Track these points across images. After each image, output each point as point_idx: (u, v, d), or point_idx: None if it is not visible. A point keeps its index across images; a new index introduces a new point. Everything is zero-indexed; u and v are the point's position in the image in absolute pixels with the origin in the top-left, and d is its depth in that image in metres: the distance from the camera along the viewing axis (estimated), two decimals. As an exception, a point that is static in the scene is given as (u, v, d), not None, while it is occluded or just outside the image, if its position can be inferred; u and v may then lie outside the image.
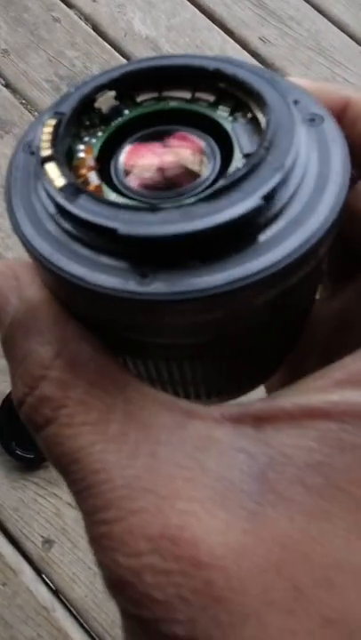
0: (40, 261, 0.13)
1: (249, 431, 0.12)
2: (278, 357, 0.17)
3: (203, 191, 0.14)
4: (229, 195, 0.12)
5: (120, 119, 0.15)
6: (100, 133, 0.15)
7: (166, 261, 0.12)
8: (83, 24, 0.85)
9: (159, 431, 0.12)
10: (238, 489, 0.11)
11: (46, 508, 0.67)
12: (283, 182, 0.13)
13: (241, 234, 0.12)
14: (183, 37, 0.85)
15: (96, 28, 0.85)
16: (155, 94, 0.16)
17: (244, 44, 0.84)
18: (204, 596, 0.11)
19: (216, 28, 0.85)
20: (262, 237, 0.12)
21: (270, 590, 0.11)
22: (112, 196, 0.14)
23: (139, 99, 0.16)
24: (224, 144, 0.15)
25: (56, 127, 0.14)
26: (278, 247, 0.12)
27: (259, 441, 0.12)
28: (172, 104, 0.15)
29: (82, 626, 0.65)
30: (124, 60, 0.84)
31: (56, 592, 0.65)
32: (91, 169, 0.14)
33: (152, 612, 0.11)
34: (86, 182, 0.14)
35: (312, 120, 0.14)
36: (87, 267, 0.12)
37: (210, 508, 0.11)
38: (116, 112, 0.15)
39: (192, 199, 0.13)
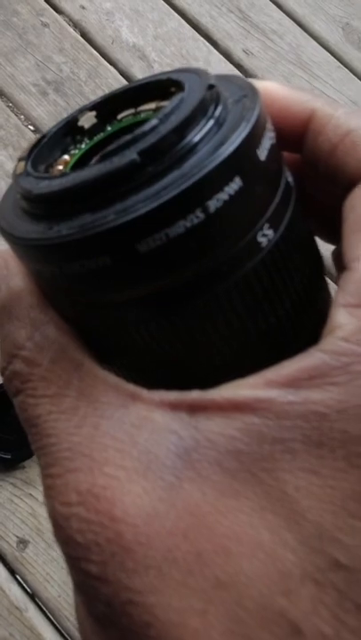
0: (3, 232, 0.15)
1: (183, 416, 0.13)
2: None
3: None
4: (116, 156, 0.14)
5: (102, 134, 0.17)
6: (82, 145, 0.17)
7: (67, 213, 0.14)
8: (71, 30, 0.86)
9: (104, 408, 0.14)
10: (162, 463, 0.13)
11: (22, 508, 0.67)
12: (162, 141, 0.14)
13: (123, 184, 0.14)
14: (169, 47, 0.86)
15: (84, 35, 0.86)
16: (132, 111, 0.17)
17: (227, 56, 0.86)
18: (115, 544, 0.12)
19: (201, 38, 0.87)
20: (145, 187, 0.14)
21: (174, 550, 0.12)
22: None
23: (119, 116, 0.17)
24: None
25: (39, 140, 0.17)
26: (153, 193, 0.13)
27: (190, 425, 0.13)
28: (142, 116, 0.17)
29: (54, 625, 0.65)
30: (110, 67, 0.85)
31: (29, 592, 0.65)
32: (60, 166, 0.17)
33: (75, 551, 0.13)
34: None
35: (238, 101, 0.15)
36: (22, 226, 0.15)
37: (132, 475, 0.13)
38: (99, 128, 0.17)
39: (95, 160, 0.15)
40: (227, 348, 0.15)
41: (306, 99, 0.17)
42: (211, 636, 0.12)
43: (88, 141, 0.17)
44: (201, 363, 0.15)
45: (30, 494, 0.68)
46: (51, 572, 0.66)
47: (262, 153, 0.15)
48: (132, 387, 0.14)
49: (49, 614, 0.65)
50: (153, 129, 0.14)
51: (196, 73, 0.16)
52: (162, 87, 0.17)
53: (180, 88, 0.16)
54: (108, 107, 0.17)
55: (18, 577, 0.65)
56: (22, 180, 0.15)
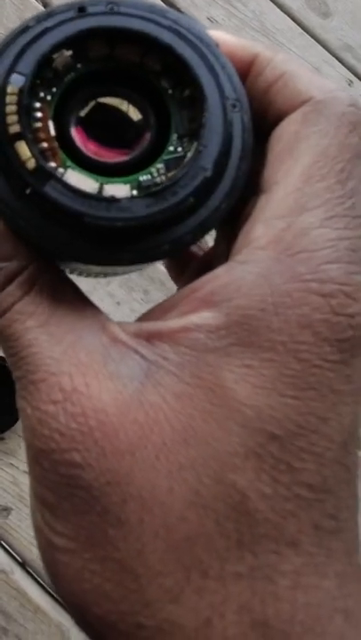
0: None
1: (143, 342, 0.16)
2: None
3: (142, 165, 0.16)
4: (167, 193, 0.16)
5: (73, 74, 0.16)
6: (54, 89, 0.16)
7: (120, 238, 0.16)
8: (33, 0, 0.85)
9: (81, 331, 0.16)
10: (129, 372, 0.15)
11: (3, 477, 0.69)
12: (207, 180, 0.16)
13: (174, 218, 0.16)
14: (132, 16, 0.86)
15: (46, 5, 0.85)
16: (107, 51, 0.16)
17: (191, 24, 0.86)
18: (97, 431, 0.14)
19: (166, 7, 0.86)
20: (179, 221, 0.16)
21: (145, 439, 0.14)
22: (71, 171, 0.16)
23: (91, 54, 0.16)
24: (160, 113, 0.17)
25: (19, 97, 0.15)
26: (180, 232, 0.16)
27: (149, 348, 0.15)
28: (123, 64, 0.17)
29: (40, 585, 0.67)
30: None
31: (14, 556, 0.68)
32: (52, 139, 0.16)
33: (59, 443, 0.15)
34: (51, 150, 0.16)
35: (234, 106, 0.17)
36: (54, 235, 0.16)
37: (107, 379, 0.15)
38: (69, 68, 0.16)
39: (139, 189, 0.16)
40: None
41: (250, 45, 0.18)
42: (175, 508, 0.14)
43: (58, 83, 0.16)
44: None
45: (11, 464, 0.70)
46: (34, 535, 0.68)
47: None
48: (104, 317, 0.17)
49: (35, 575, 0.67)
50: (194, 162, 0.16)
51: (194, 47, 0.16)
52: (151, 45, 0.16)
53: (179, 63, 0.16)
54: (81, 42, 0.16)
55: (2, 542, 0.68)
56: (53, 192, 0.15)
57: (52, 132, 0.16)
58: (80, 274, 0.20)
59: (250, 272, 0.15)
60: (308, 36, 0.85)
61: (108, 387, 0.15)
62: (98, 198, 0.15)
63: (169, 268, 0.24)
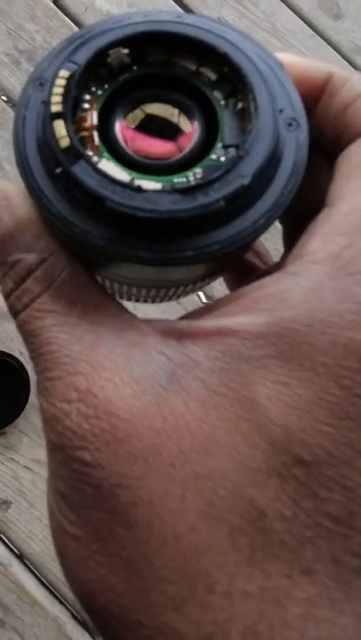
0: (40, 203, 0.16)
1: (172, 342, 0.15)
2: None
3: (180, 168, 0.16)
4: (198, 193, 0.15)
5: (127, 74, 0.17)
6: (106, 85, 0.16)
7: (141, 233, 0.15)
8: (43, -4, 0.85)
9: (103, 328, 0.15)
10: (151, 375, 0.15)
11: (3, 471, 0.69)
12: (243, 188, 0.15)
13: (202, 222, 0.15)
14: (143, 14, 0.86)
15: (57, 2, 0.85)
16: (164, 57, 0.17)
17: (202, 24, 0.86)
18: (109, 434, 0.14)
19: (176, 6, 0.86)
20: (222, 224, 0.15)
21: (160, 446, 0.14)
22: (106, 161, 0.16)
23: (149, 58, 0.17)
24: (209, 123, 0.17)
25: (68, 81, 0.16)
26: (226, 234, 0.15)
27: (177, 349, 0.15)
28: (178, 71, 0.17)
29: (38, 578, 0.68)
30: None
31: (13, 549, 0.68)
32: (93, 128, 0.16)
33: (71, 440, 0.15)
34: (90, 139, 0.16)
35: (290, 125, 0.16)
36: (77, 218, 0.15)
37: (127, 381, 0.15)
38: (125, 67, 0.17)
39: (168, 185, 0.15)
40: None
41: (323, 65, 0.18)
42: (187, 518, 0.14)
43: (112, 81, 0.17)
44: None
45: (12, 458, 0.70)
46: (33, 529, 0.68)
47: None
48: (129, 315, 0.16)
49: (32, 568, 0.68)
50: (233, 168, 0.15)
51: (250, 60, 0.16)
52: (208, 54, 0.16)
53: (233, 71, 0.16)
54: (138, 44, 0.16)
55: (1, 535, 0.68)
56: (80, 172, 0.15)
57: (95, 122, 0.16)
58: (111, 282, 0.19)
59: (300, 285, 0.14)
60: (319, 37, 0.85)
61: (125, 391, 0.14)
62: (124, 185, 0.15)
63: (226, 280, 0.23)
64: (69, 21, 0.84)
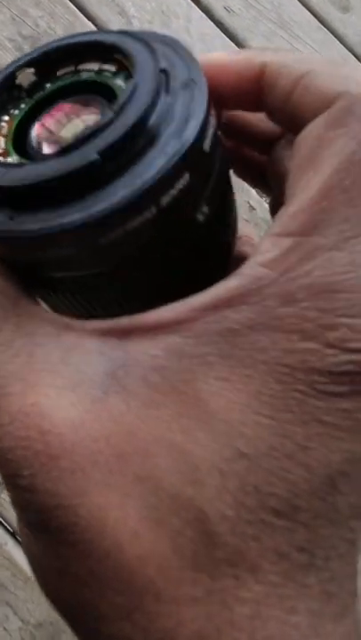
0: None
1: (114, 341, 0.14)
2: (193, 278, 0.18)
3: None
4: (75, 151, 0.15)
5: (42, 92, 0.18)
6: (22, 105, 0.18)
7: (28, 206, 0.15)
8: None
9: (39, 338, 0.15)
10: (90, 379, 0.14)
11: None
12: (121, 141, 0.15)
13: (84, 182, 0.15)
14: (150, 2, 0.85)
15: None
16: (72, 68, 0.18)
17: (209, 13, 0.85)
18: (43, 455, 0.14)
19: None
20: (109, 184, 0.15)
21: (97, 454, 0.13)
22: (12, 158, 0.16)
23: (59, 73, 0.18)
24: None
25: None
26: (117, 191, 0.15)
27: (119, 348, 0.14)
28: (84, 76, 0.18)
29: None
30: (88, 22, 0.84)
31: (8, 528, 0.70)
32: (4, 136, 0.17)
33: (7, 469, 0.14)
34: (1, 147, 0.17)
35: (186, 85, 0.16)
36: None
37: (62, 392, 0.14)
38: (38, 86, 0.18)
39: (44, 156, 0.15)
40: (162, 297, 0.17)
41: (253, 56, 0.17)
42: (128, 524, 0.13)
43: (28, 100, 0.18)
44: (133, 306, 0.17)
45: (8, 442, 0.72)
46: None
47: (207, 144, 0.16)
48: (66, 319, 0.15)
49: None
50: (110, 123, 0.15)
51: (144, 43, 0.16)
52: (104, 49, 0.17)
53: (126, 57, 0.16)
54: (46, 63, 0.18)
55: None
56: None
57: (4, 132, 0.17)
58: (64, 294, 0.18)
59: (246, 286, 0.14)
60: (326, 30, 0.84)
61: (61, 402, 0.14)
62: (3, 164, 0.16)
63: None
64: (74, 7, 0.84)
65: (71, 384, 0.14)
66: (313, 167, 0.14)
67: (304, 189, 0.14)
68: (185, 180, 0.15)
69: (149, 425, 0.14)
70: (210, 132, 0.16)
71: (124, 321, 0.15)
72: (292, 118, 0.16)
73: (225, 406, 0.13)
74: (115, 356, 0.14)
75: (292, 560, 0.13)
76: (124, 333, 0.14)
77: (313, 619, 0.13)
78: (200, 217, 0.17)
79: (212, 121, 0.16)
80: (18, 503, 0.15)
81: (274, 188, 0.21)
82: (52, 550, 0.14)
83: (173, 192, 0.15)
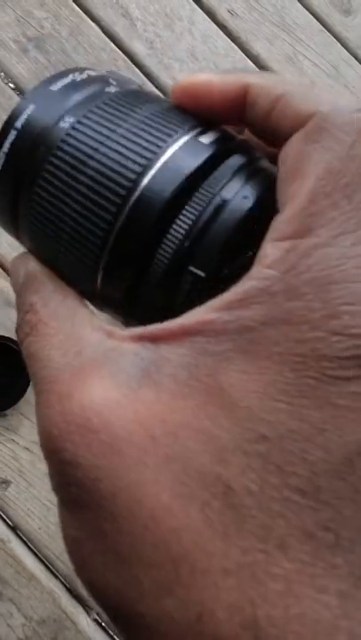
0: None
1: (147, 344, 0.16)
2: None
3: None
4: None
5: None
6: None
7: None
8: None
9: (86, 342, 0.18)
10: (126, 373, 0.16)
11: (4, 452, 0.72)
12: None
13: None
14: (153, 4, 0.85)
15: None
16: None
17: (212, 15, 0.85)
18: (84, 428, 0.15)
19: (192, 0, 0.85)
20: None
21: (132, 434, 0.15)
22: None
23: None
24: None
25: None
26: None
27: (150, 350, 0.16)
28: None
29: (35, 554, 0.70)
30: (93, 24, 0.84)
31: (12, 526, 0.71)
32: None
33: (53, 444, 0.16)
34: None
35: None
36: None
37: (103, 380, 0.16)
38: None
39: None
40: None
41: (238, 77, 0.18)
42: (161, 500, 0.14)
43: None
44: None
45: (12, 439, 0.72)
46: (31, 507, 0.71)
47: None
48: (110, 327, 0.18)
49: (30, 544, 0.70)
50: None
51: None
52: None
53: None
54: None
55: (1, 513, 0.71)
56: None
57: None
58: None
59: (255, 287, 0.16)
60: (328, 33, 0.85)
61: (101, 386, 0.16)
62: None
63: None
64: (78, 9, 0.84)
65: (108, 374, 0.16)
66: (299, 177, 0.16)
67: (293, 198, 0.16)
68: None
69: (178, 413, 0.15)
70: None
71: (155, 327, 0.17)
72: (272, 133, 0.18)
73: (245, 395, 0.15)
74: (147, 356, 0.16)
75: (319, 539, 0.14)
76: (156, 338, 0.16)
77: (342, 600, 0.13)
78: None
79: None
80: (60, 482, 0.16)
81: None
82: (93, 529, 0.15)
83: None
